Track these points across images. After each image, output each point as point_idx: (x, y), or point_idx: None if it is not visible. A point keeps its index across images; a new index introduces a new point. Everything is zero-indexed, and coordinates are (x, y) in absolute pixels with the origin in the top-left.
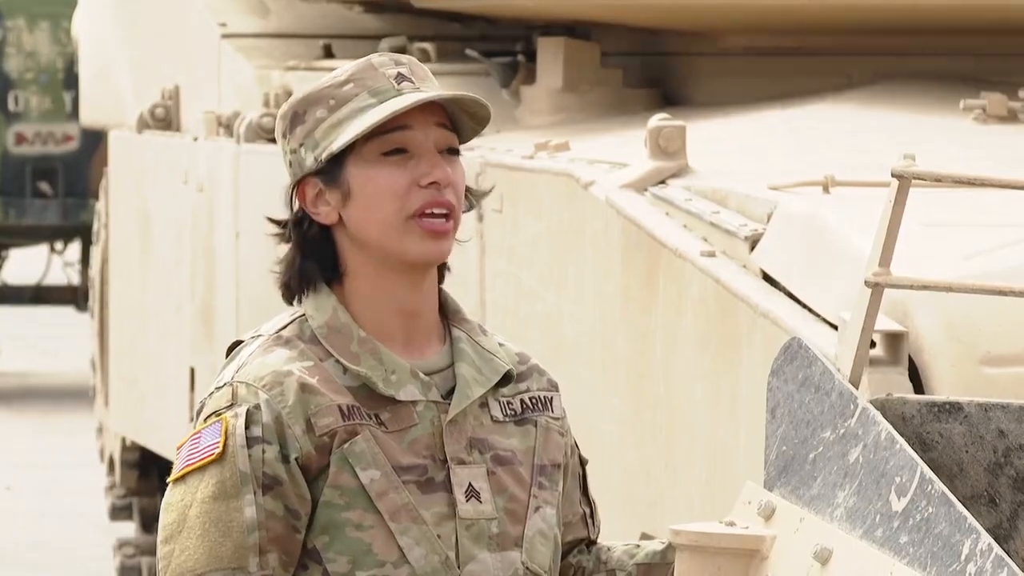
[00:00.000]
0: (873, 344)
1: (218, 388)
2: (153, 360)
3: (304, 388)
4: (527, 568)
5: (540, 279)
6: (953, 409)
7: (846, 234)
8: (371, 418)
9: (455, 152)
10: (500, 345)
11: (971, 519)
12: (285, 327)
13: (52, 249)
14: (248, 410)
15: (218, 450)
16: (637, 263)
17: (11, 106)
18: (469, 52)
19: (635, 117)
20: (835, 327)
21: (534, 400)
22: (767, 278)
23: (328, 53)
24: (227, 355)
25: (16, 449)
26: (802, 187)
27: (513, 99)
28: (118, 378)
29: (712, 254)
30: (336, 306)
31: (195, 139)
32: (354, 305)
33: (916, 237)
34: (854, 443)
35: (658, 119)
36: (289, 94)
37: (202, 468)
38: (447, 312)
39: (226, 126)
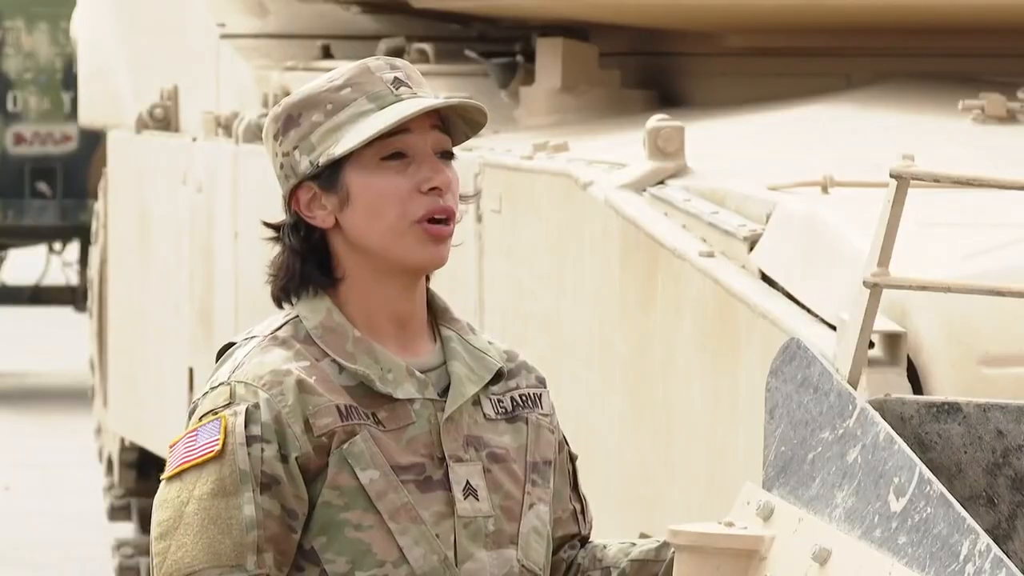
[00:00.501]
0: (872, 344)
1: (213, 388)
2: (152, 360)
3: (302, 388)
4: (523, 566)
5: (539, 279)
6: (952, 409)
7: (845, 234)
8: (369, 417)
9: (450, 155)
10: (489, 343)
11: (970, 520)
12: (280, 328)
13: (51, 249)
14: (247, 408)
15: (217, 447)
16: (636, 263)
17: (10, 106)
18: (467, 53)
19: (633, 117)
20: (834, 327)
21: (524, 397)
22: (766, 278)
23: (327, 53)
24: (218, 357)
25: (15, 449)
26: (801, 187)
27: (512, 100)
28: (117, 378)
29: (711, 254)
30: (330, 307)
31: (194, 139)
32: (348, 308)
33: (915, 237)
34: (853, 443)
35: (656, 119)
36: (288, 94)
37: (200, 465)
38: (435, 311)
39: (225, 126)
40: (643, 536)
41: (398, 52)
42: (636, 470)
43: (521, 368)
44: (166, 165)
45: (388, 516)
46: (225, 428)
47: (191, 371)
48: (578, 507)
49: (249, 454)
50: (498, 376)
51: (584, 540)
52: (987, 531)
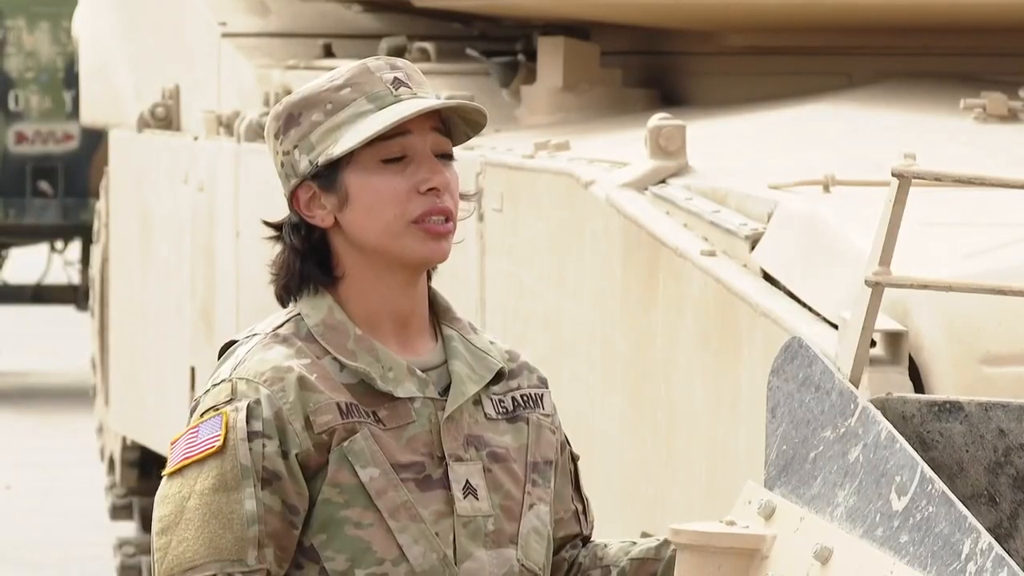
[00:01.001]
0: (873, 343)
1: (215, 385)
2: (153, 359)
3: (303, 385)
4: (522, 565)
5: (540, 278)
6: (953, 408)
7: (846, 233)
8: (369, 415)
9: (450, 156)
10: (491, 343)
11: (971, 518)
12: (281, 326)
13: (52, 248)
14: (249, 405)
15: (218, 443)
16: (637, 262)
17: (11, 105)
18: (469, 52)
19: (635, 116)
20: (835, 326)
21: (525, 397)
22: (767, 277)
23: (328, 52)
24: (220, 355)
25: (16, 448)
26: (802, 186)
27: (513, 99)
28: (118, 377)
29: (712, 253)
30: (332, 305)
31: (195, 138)
32: (349, 306)
33: (916, 236)
34: (854, 442)
35: (658, 118)
36: (289, 93)
37: (201, 461)
38: (437, 310)
39: (226, 125)
40: (644, 535)
41: (399, 51)
42: (637, 469)
43: (523, 368)
44: (167, 164)
45: (388, 514)
46: (226, 424)
47: (192, 370)
48: (580, 507)
49: (250, 449)
50: (499, 376)
51: (586, 540)
52: (989, 530)
